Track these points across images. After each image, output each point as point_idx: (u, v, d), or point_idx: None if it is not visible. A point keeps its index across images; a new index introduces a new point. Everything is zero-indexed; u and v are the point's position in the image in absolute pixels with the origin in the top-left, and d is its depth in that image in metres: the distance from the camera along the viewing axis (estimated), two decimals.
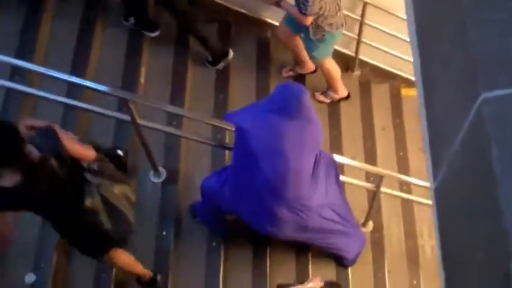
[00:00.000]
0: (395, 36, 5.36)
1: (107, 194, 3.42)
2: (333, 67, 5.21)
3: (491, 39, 1.35)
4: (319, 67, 5.30)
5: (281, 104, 3.69)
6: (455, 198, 1.58)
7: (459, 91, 1.49)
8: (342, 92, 5.46)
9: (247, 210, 4.03)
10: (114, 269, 4.11)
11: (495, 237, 1.26)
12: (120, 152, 4.12)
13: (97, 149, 3.54)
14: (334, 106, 5.52)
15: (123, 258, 3.80)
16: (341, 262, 4.63)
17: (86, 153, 3.35)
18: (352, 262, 4.64)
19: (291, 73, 5.51)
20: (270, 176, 3.77)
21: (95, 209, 3.31)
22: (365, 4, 5.21)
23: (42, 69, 3.94)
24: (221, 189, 4.06)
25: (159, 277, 4.08)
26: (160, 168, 4.53)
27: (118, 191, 3.54)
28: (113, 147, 4.22)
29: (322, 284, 3.83)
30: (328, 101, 5.48)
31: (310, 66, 5.42)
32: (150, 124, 4.15)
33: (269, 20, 5.58)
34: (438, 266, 1.76)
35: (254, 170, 3.81)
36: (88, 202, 3.26)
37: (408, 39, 2.04)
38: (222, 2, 5.46)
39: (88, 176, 3.32)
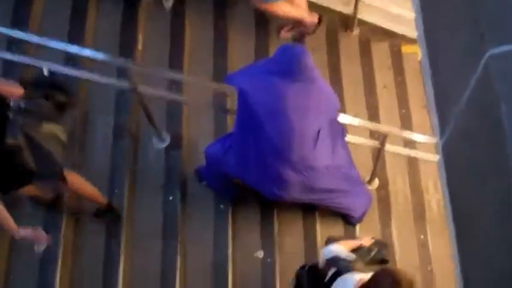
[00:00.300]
0: None
1: (32, 133, 3.34)
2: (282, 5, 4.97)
3: None
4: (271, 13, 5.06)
5: (282, 66, 3.67)
6: (463, 154, 1.58)
7: (465, 48, 1.47)
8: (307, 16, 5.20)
9: (253, 175, 4.05)
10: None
11: (505, 193, 1.26)
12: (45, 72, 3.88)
13: (32, 84, 3.44)
14: (334, 67, 5.47)
15: (78, 183, 3.81)
16: (348, 220, 4.65)
17: (11, 90, 3.26)
18: (359, 220, 4.67)
19: (291, 33, 5.38)
20: (274, 139, 3.77)
21: (16, 147, 3.24)
22: None
23: (41, 40, 3.90)
24: (225, 155, 4.06)
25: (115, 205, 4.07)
26: (164, 134, 4.52)
27: (46, 130, 3.45)
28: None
29: (372, 241, 3.87)
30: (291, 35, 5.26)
31: (311, 19, 5.24)
32: (151, 91, 4.12)
33: None
34: (447, 221, 1.77)
35: (258, 133, 3.81)
36: (9, 140, 3.19)
37: None
38: None
39: (12, 114, 3.23)
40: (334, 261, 3.39)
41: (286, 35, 5.31)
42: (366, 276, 3.13)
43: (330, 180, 4.17)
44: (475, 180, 1.42)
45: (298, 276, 3.63)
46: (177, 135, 4.59)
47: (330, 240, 3.82)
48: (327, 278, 3.36)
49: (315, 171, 4.01)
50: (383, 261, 3.78)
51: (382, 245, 3.92)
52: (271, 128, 3.75)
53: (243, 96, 3.82)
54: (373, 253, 3.76)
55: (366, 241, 3.83)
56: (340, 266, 3.32)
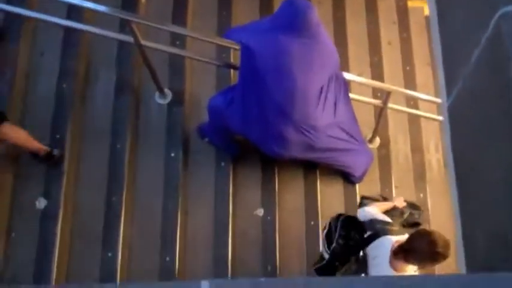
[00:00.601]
0: None
1: None
2: None
3: None
4: None
5: (287, 20, 3.60)
6: (470, 115, 1.56)
7: (476, 5, 1.44)
8: None
9: (255, 130, 4.03)
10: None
11: None
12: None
13: None
14: (339, 23, 5.40)
15: (13, 133, 3.88)
16: (349, 179, 4.66)
17: None
18: (360, 179, 4.67)
19: None
20: (276, 96, 3.74)
21: None
22: None
23: None
24: (228, 108, 4.04)
25: (56, 152, 4.05)
26: (166, 90, 4.49)
27: None
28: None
29: (405, 204, 3.90)
30: None
31: None
32: (154, 45, 4.08)
33: None
34: (449, 182, 1.76)
35: (260, 89, 3.78)
36: None
37: None
38: None
39: None
40: (370, 224, 3.42)
41: None
42: (402, 238, 3.19)
43: (331, 139, 4.15)
44: (482, 142, 1.40)
45: (331, 223, 3.64)
46: (180, 91, 4.55)
47: (363, 200, 3.86)
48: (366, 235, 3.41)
49: (317, 131, 3.99)
50: (416, 224, 3.84)
51: (415, 208, 3.96)
52: (274, 85, 3.71)
53: (246, 52, 3.77)
54: (406, 215, 3.81)
55: (400, 203, 3.86)
56: (378, 229, 3.36)
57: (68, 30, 4.35)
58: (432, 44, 1.97)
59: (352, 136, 4.30)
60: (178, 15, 4.81)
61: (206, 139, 4.45)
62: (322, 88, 3.85)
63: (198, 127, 4.47)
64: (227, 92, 4.16)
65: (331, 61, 3.90)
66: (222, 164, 4.45)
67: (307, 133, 3.95)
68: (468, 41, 1.51)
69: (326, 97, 3.91)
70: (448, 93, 1.72)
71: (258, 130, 4.00)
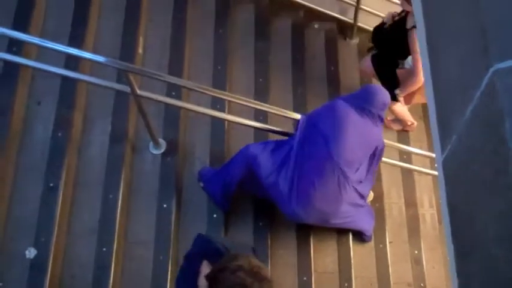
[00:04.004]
0: (393, 1, 5.30)
1: None
2: None
3: (502, 7, 1.30)
4: None
5: (359, 99, 4.02)
6: (465, 171, 1.55)
7: (469, 61, 1.45)
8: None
9: (280, 185, 4.06)
10: None
11: (508, 212, 1.24)
12: None
13: None
14: (332, 77, 5.47)
15: None
16: (361, 238, 4.67)
17: None
18: (371, 237, 4.69)
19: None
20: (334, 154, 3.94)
21: None
22: None
23: (39, 41, 3.87)
24: (262, 153, 4.16)
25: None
26: (160, 140, 4.50)
27: None
28: None
29: None
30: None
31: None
32: (150, 95, 4.10)
33: None
34: (446, 238, 1.74)
35: (310, 148, 3.98)
36: None
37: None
38: None
39: None
40: None
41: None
42: None
43: (351, 208, 4.25)
44: (477, 197, 1.39)
45: None
46: (174, 141, 4.56)
47: None
48: None
49: (339, 211, 4.17)
50: None
51: None
52: (330, 149, 3.94)
53: (307, 121, 4.13)
54: None
55: None
56: None
57: (65, 79, 4.38)
58: (426, 97, 1.97)
59: (363, 196, 4.32)
60: (175, 65, 4.87)
61: (201, 184, 4.43)
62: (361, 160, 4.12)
63: (199, 170, 4.45)
64: (267, 143, 4.28)
65: (377, 143, 4.19)
66: (215, 215, 4.42)
67: (330, 209, 4.13)
68: (462, 96, 1.51)
69: (358, 169, 4.13)
70: (443, 148, 1.72)
71: (285, 187, 4.03)
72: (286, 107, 4.79)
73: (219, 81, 4.93)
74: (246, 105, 4.40)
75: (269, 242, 4.46)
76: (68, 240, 4.12)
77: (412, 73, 4.80)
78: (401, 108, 5.18)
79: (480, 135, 1.42)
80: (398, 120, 5.41)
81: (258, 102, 4.60)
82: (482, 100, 1.39)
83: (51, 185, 4.13)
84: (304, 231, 4.56)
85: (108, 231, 4.14)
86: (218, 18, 5.26)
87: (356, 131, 3.98)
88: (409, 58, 4.87)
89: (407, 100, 5.11)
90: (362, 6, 5.52)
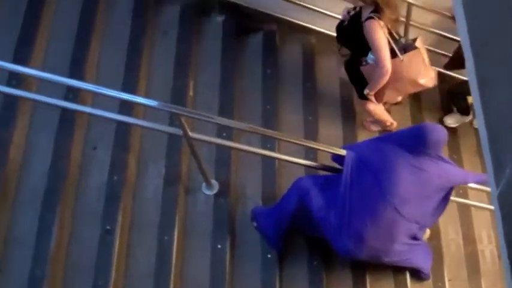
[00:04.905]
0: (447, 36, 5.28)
1: None
2: None
3: None
4: None
5: (419, 145, 3.88)
6: None
7: None
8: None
9: (331, 221, 4.03)
10: None
11: None
12: None
13: None
14: None
15: None
16: (419, 276, 4.56)
17: None
18: (429, 276, 4.57)
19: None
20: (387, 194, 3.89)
21: None
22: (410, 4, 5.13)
23: (94, 88, 4.02)
24: (313, 189, 4.15)
25: None
26: (213, 181, 4.55)
27: None
28: None
29: None
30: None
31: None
32: (201, 136, 4.17)
33: (313, 26, 5.56)
34: (505, 275, 1.70)
35: (363, 186, 3.94)
36: None
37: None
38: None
39: None
40: None
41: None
42: None
43: (403, 251, 4.19)
44: None
45: None
46: (226, 182, 4.60)
47: None
48: None
49: (393, 249, 4.09)
50: None
51: None
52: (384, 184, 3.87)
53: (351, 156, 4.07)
54: None
55: None
56: None
57: (119, 123, 4.51)
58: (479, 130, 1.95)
59: (418, 235, 4.23)
60: (225, 107, 4.95)
61: (254, 223, 4.43)
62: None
63: (252, 209, 4.47)
64: (318, 177, 4.29)
65: (448, 183, 4.07)
66: (269, 255, 4.40)
67: (384, 246, 4.05)
68: None
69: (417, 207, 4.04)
70: (497, 182, 1.70)
71: (337, 223, 4.01)
72: (336, 143, 4.79)
73: (269, 120, 4.97)
74: (296, 144, 4.42)
75: (324, 282, 4.41)
76: (125, 283, 4.17)
77: (376, 66, 4.51)
78: (375, 107, 4.92)
79: None
80: (377, 121, 5.20)
81: (307, 141, 4.63)
82: None
83: (108, 228, 4.21)
84: (360, 270, 4.48)
85: (164, 273, 4.18)
86: (265, 58, 5.34)
87: (407, 169, 3.89)
88: (371, 53, 4.57)
89: (379, 98, 4.80)
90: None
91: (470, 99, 5.31)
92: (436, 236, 4.84)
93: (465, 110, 5.50)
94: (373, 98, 4.76)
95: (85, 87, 4.16)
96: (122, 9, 5.20)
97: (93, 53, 4.95)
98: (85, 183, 4.42)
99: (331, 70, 5.54)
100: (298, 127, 5.10)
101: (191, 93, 5.00)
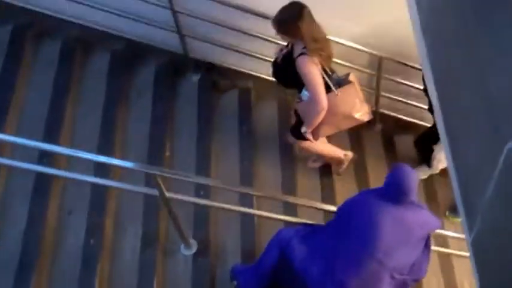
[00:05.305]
0: (415, 87, 5.37)
1: None
2: None
3: (509, 89, 1.33)
4: None
5: (388, 190, 3.83)
6: (493, 249, 1.53)
7: (485, 141, 1.47)
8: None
9: (315, 270, 3.98)
10: None
11: None
12: None
13: None
14: (360, 163, 5.48)
15: None
16: None
17: None
18: None
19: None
20: (361, 246, 3.83)
21: None
22: (381, 58, 5.23)
23: (72, 151, 4.00)
24: (294, 238, 4.08)
25: None
26: (191, 240, 4.49)
27: None
28: None
29: None
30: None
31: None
32: (178, 196, 4.15)
33: None
34: None
35: (342, 239, 3.89)
36: None
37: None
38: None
39: None
40: None
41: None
42: None
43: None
44: (508, 276, 1.36)
45: None
46: (205, 240, 4.55)
47: None
48: None
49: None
50: None
51: None
52: (363, 237, 3.82)
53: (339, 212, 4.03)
54: None
55: None
56: None
57: (95, 186, 4.47)
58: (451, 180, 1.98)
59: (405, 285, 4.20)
60: (202, 165, 4.95)
61: (235, 282, 4.36)
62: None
63: (232, 268, 4.40)
64: (298, 229, 4.21)
65: (423, 231, 4.00)
66: None
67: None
68: (483, 175, 1.52)
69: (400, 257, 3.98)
70: (470, 229, 1.70)
71: (320, 275, 3.95)
72: (315, 198, 4.79)
73: (246, 176, 4.97)
74: (275, 199, 4.41)
75: None
76: None
77: (311, 102, 4.37)
78: (311, 145, 4.80)
79: (503, 212, 1.41)
80: (318, 158, 5.19)
81: (286, 196, 4.62)
82: (501, 178, 1.39)
83: None
84: None
85: None
86: (241, 115, 5.38)
87: (390, 222, 3.88)
88: (305, 90, 4.43)
89: (315, 134, 4.62)
90: (383, 93, 5.60)
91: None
92: (418, 286, 4.80)
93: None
94: (310, 136, 4.61)
95: (61, 151, 4.14)
96: (96, 72, 5.25)
97: (68, 116, 4.96)
98: (61, 248, 4.35)
99: None
100: (276, 182, 5.10)
101: (167, 152, 4.99)
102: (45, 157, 4.52)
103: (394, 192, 3.85)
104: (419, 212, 3.95)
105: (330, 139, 5.09)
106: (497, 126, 1.31)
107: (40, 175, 4.41)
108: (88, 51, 5.34)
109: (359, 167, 5.47)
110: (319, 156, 5.21)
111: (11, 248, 4.21)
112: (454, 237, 4.89)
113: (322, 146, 5.00)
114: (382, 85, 5.45)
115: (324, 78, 4.33)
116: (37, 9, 5.09)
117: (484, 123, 1.40)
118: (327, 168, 5.34)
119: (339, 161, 5.21)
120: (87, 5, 4.97)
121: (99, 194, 4.54)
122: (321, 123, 4.49)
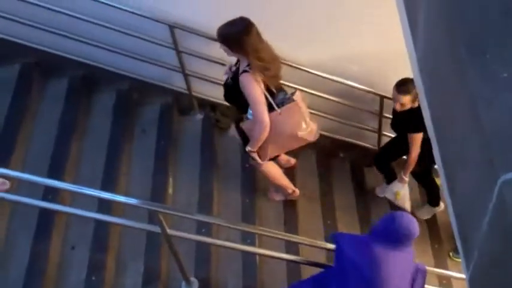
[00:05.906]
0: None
1: None
2: None
3: (503, 119, 1.35)
4: None
5: (386, 234, 3.74)
6: (490, 285, 1.54)
7: (479, 175, 1.49)
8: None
9: None
10: None
11: None
12: None
13: None
14: (361, 204, 5.49)
15: None
16: None
17: None
18: None
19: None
20: None
21: None
22: (382, 98, 5.29)
23: (74, 188, 4.03)
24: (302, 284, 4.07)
25: None
26: (192, 279, 4.48)
27: None
28: None
29: None
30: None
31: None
32: (180, 234, 4.15)
33: None
34: None
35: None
36: None
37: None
38: None
39: None
40: None
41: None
42: None
43: None
44: None
45: None
46: (206, 279, 4.53)
47: None
48: None
49: None
50: None
51: None
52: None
53: (340, 254, 3.92)
54: None
55: None
56: None
57: (98, 222, 4.48)
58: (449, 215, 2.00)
59: None
60: (204, 202, 4.96)
61: None
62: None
63: None
64: (303, 282, 4.17)
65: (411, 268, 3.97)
66: None
67: None
68: (478, 210, 1.53)
69: None
70: (467, 266, 1.71)
71: None
72: (317, 237, 4.78)
73: (248, 214, 4.98)
74: (277, 238, 4.40)
75: None
76: None
77: (254, 121, 4.25)
78: (269, 168, 4.78)
79: (498, 247, 1.42)
80: (278, 188, 5.11)
81: (288, 234, 4.61)
82: (496, 212, 1.41)
83: None
84: None
85: None
86: (243, 153, 5.40)
87: (392, 264, 3.85)
88: (249, 109, 4.32)
89: (263, 155, 4.50)
90: (384, 133, 5.64)
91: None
92: None
93: (436, 199, 5.51)
94: (256, 156, 4.49)
95: (65, 187, 4.17)
96: (102, 109, 5.32)
97: (73, 153, 5.00)
98: (63, 283, 4.33)
99: (311, 160, 5.61)
100: (278, 221, 5.10)
101: (170, 190, 5.02)
102: (50, 193, 4.54)
103: (395, 236, 3.77)
104: (407, 252, 3.92)
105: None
106: (491, 159, 1.34)
107: (44, 211, 4.43)
108: (94, 90, 5.42)
109: (361, 206, 5.47)
110: (279, 187, 5.13)
111: (14, 282, 4.19)
112: (458, 278, 4.86)
113: (273, 170, 4.90)
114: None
115: (266, 97, 4.20)
116: (44, 48, 5.19)
117: (478, 158, 1.43)
118: (329, 208, 5.34)
119: (286, 192, 5.17)
120: (93, 45, 5.07)
121: (102, 230, 4.55)
122: (267, 143, 4.37)
